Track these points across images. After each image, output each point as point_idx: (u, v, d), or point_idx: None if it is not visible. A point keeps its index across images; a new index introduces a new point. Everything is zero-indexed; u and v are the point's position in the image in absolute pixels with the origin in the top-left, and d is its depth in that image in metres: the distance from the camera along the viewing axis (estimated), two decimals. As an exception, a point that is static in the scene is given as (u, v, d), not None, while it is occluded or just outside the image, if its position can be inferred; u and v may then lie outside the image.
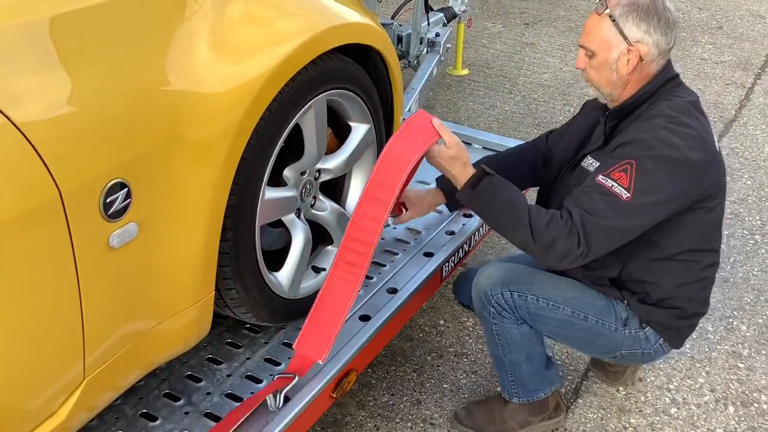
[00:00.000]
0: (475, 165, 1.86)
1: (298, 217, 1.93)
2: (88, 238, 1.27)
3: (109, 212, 1.29)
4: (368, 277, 2.19)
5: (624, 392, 2.35)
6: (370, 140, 2.06)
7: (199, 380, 1.83)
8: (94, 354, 1.37)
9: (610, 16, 1.80)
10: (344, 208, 2.10)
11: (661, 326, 1.97)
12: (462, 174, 1.82)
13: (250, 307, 1.79)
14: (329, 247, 2.10)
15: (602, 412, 2.28)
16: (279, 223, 1.94)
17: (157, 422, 1.71)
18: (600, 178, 1.75)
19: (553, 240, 1.73)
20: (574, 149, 2.05)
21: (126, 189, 1.31)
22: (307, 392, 1.78)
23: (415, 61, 3.86)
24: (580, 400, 2.32)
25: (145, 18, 1.40)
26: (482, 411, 2.18)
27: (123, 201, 1.31)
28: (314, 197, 1.99)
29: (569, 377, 2.41)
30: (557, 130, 2.23)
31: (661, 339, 2.00)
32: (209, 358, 1.90)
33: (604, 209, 1.73)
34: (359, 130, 2.01)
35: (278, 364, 1.89)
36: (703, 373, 2.43)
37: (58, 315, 1.28)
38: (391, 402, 2.32)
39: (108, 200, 1.28)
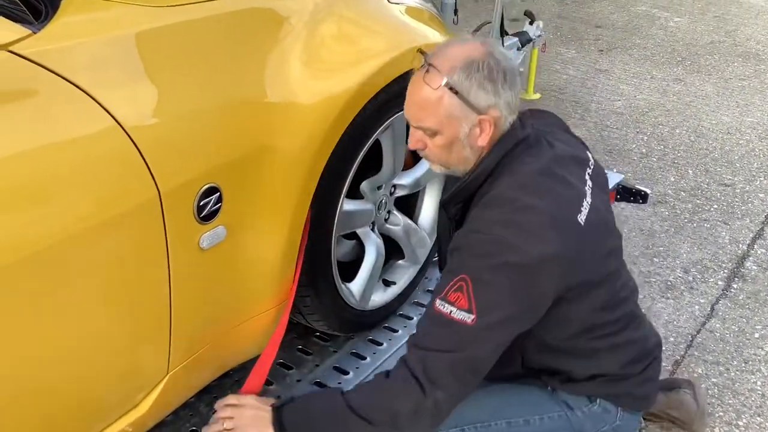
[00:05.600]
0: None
1: (372, 230, 1.98)
2: (181, 238, 1.33)
3: (202, 215, 1.36)
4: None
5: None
6: (446, 159, 2.09)
7: (269, 383, 1.88)
8: (178, 350, 1.44)
9: (451, 88, 1.43)
10: (417, 224, 2.13)
11: (609, 396, 1.65)
12: (263, 424, 1.49)
13: (322, 315, 1.84)
14: (400, 262, 2.13)
15: (668, 444, 2.24)
16: (352, 235, 1.99)
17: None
18: (437, 303, 1.41)
19: (389, 408, 1.40)
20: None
21: (218, 193, 1.38)
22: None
23: (488, 84, 3.88)
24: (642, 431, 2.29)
25: (244, 33, 1.47)
26: None
27: (215, 204, 1.38)
28: (388, 212, 2.03)
29: (634, 407, 2.37)
30: None
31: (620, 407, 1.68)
32: (281, 362, 1.95)
33: (449, 342, 1.39)
34: (436, 148, 2.04)
35: (346, 372, 1.93)
36: (775, 413, 2.36)
37: (149, 311, 1.34)
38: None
39: (201, 203, 1.35)
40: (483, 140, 1.47)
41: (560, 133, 1.66)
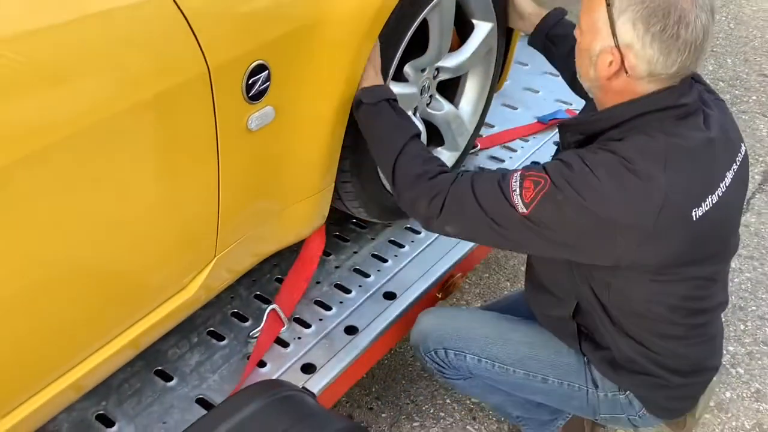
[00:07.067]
0: None
1: (414, 114, 1.90)
2: (230, 118, 1.27)
3: (251, 94, 1.28)
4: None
5: (723, 320, 2.31)
6: (491, 43, 1.98)
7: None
8: (225, 233, 1.40)
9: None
10: (458, 109, 2.05)
11: (640, 396, 1.57)
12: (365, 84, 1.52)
13: (363, 201, 1.80)
14: (440, 149, 2.07)
15: (700, 336, 2.25)
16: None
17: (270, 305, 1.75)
18: (516, 174, 1.37)
19: (416, 199, 1.44)
20: None
21: (267, 71, 1.30)
22: (414, 291, 1.80)
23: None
24: (677, 323, 2.29)
25: None
26: None
27: (263, 83, 1.30)
28: (431, 96, 1.94)
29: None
30: None
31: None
32: (317, 249, 1.93)
33: (492, 207, 1.37)
34: (482, 28, 1.93)
35: (385, 260, 1.90)
36: (808, 308, 2.36)
37: (198, 192, 1.30)
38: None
39: (250, 81, 1.27)
40: (607, 72, 1.32)
41: (723, 109, 1.47)
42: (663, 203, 1.28)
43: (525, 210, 1.33)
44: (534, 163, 2.25)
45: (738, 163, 1.43)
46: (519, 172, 1.37)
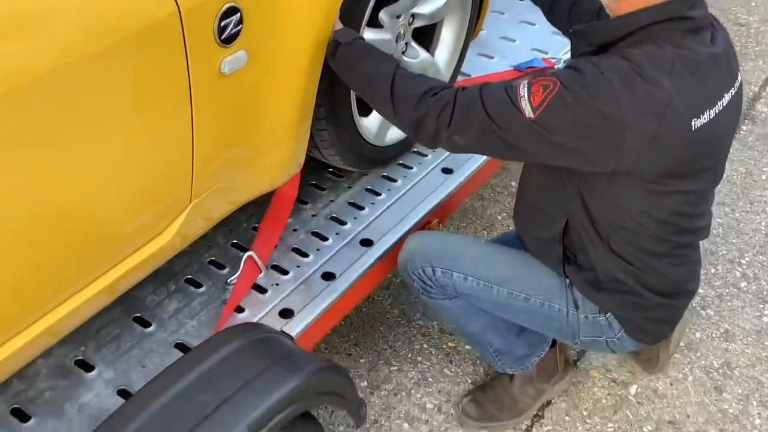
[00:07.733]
0: None
1: (389, 62, 1.89)
2: (202, 61, 1.26)
3: (223, 37, 1.28)
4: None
5: (695, 263, 2.36)
6: (467, -14, 1.97)
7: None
8: (200, 179, 1.41)
9: None
10: (433, 57, 2.04)
11: (619, 317, 1.64)
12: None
13: (339, 149, 1.80)
14: (415, 97, 2.06)
15: (672, 280, 2.30)
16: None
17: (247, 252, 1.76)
18: (525, 82, 1.40)
19: (423, 116, 1.44)
20: None
21: (239, 14, 1.29)
22: (390, 238, 1.82)
23: None
24: (649, 268, 2.34)
25: None
26: (490, 398, 1.95)
27: (236, 26, 1.29)
28: (406, 43, 1.93)
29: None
30: None
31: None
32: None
33: (500, 115, 1.40)
34: (457, -27, 1.92)
35: (362, 208, 1.91)
36: (777, 252, 2.41)
37: (172, 137, 1.30)
38: (461, 256, 2.36)
39: (222, 24, 1.26)
40: None
41: (727, 36, 1.52)
42: (666, 108, 1.34)
43: (532, 114, 1.37)
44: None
45: (735, 88, 1.49)
46: (526, 82, 1.40)
